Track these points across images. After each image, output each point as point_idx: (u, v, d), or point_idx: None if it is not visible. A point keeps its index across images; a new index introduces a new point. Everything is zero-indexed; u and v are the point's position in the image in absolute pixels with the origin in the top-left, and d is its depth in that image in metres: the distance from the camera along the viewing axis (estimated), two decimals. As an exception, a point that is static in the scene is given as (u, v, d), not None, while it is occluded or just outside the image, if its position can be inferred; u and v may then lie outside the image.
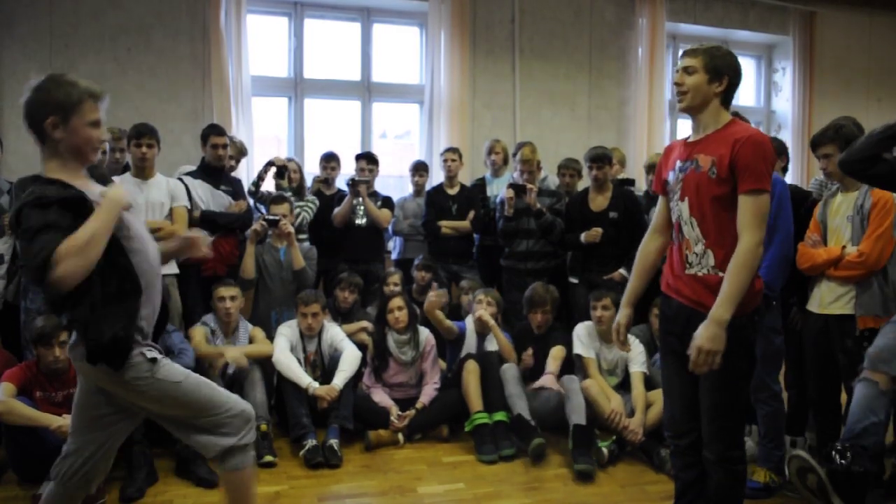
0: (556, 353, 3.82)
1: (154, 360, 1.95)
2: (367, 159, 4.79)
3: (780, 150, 3.38)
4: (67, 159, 1.90)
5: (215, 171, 4.22)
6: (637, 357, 3.67)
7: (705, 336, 2.09)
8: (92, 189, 1.91)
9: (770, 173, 2.13)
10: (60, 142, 1.86)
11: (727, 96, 2.22)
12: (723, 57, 2.20)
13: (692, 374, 2.23)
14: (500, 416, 3.62)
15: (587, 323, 3.86)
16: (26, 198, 1.78)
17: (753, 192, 2.09)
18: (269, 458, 3.33)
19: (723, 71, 2.19)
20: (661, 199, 2.43)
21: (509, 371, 3.74)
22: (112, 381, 1.94)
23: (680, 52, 2.34)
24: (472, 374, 3.70)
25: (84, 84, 1.89)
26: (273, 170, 4.57)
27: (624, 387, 3.74)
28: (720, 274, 2.16)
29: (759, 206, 2.10)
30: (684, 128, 6.92)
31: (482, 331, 3.98)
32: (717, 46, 2.23)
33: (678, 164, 2.28)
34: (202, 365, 3.52)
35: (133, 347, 1.92)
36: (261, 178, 4.55)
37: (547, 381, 3.67)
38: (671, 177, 2.31)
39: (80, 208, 1.81)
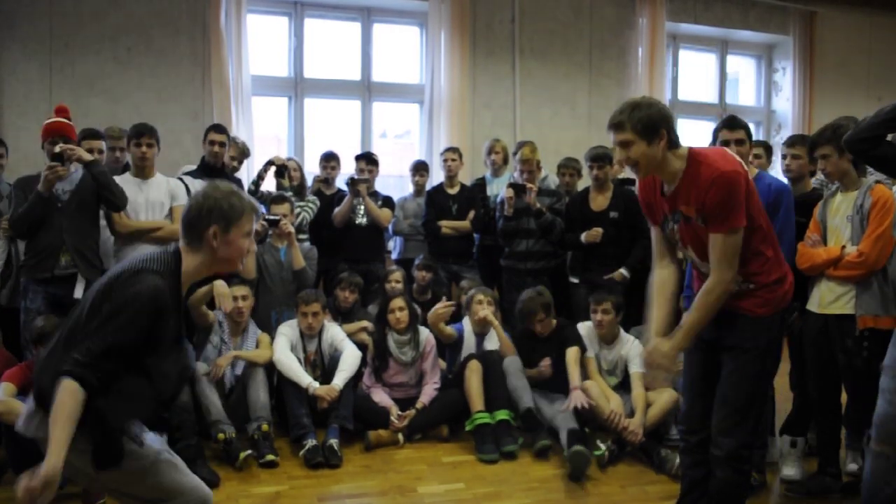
0: (572, 359, 3.66)
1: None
2: (367, 160, 4.78)
3: (767, 150, 3.41)
4: (212, 264, 1.88)
5: (216, 170, 4.21)
6: (637, 357, 3.66)
7: (661, 353, 2.23)
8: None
9: (741, 208, 2.12)
10: (215, 251, 1.84)
11: (673, 141, 2.16)
12: (648, 112, 2.12)
13: (713, 369, 2.29)
14: (502, 414, 3.61)
15: (587, 324, 3.85)
16: (130, 276, 1.74)
17: (728, 232, 2.13)
18: (270, 457, 3.32)
19: (657, 125, 2.12)
20: (653, 230, 2.43)
21: (512, 364, 3.73)
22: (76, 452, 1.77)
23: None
24: (474, 374, 3.70)
25: (247, 199, 1.90)
26: (273, 169, 4.57)
27: (624, 387, 3.74)
28: (751, 286, 2.22)
29: (729, 244, 2.14)
30: (684, 127, 6.92)
31: (482, 331, 3.98)
32: (636, 104, 2.15)
33: (667, 215, 2.30)
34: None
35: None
36: (261, 177, 4.55)
37: (578, 399, 3.45)
38: (666, 226, 2.34)
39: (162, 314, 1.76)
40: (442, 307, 3.88)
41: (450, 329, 3.97)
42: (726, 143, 2.90)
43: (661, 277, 2.42)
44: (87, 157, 3.40)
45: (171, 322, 1.79)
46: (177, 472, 1.93)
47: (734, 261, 2.15)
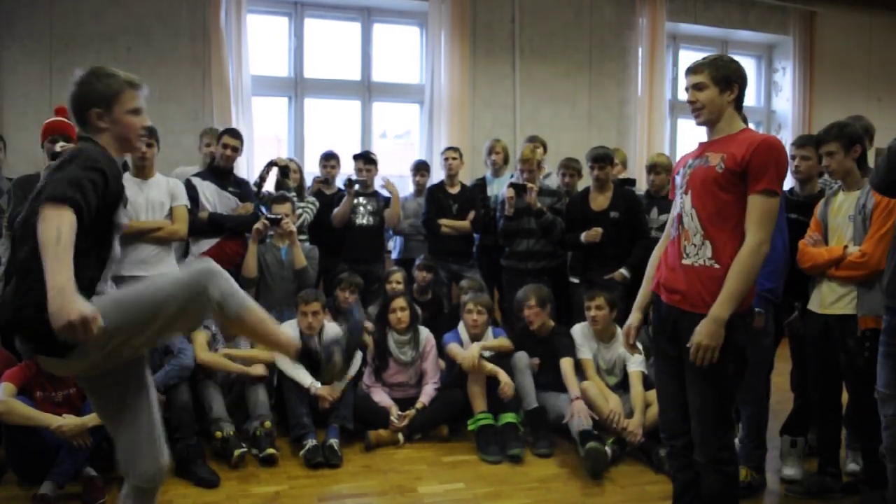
0: (568, 370, 3.65)
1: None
2: (365, 159, 4.78)
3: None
4: (113, 148, 1.93)
5: (223, 172, 4.22)
6: (636, 357, 3.66)
7: (703, 332, 2.13)
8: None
9: (782, 178, 2.17)
10: (105, 131, 1.90)
11: (738, 102, 2.28)
12: (728, 65, 2.25)
13: (682, 376, 2.28)
14: (509, 417, 3.61)
15: (583, 324, 3.85)
16: (78, 153, 1.77)
17: (765, 192, 2.14)
18: (270, 450, 3.32)
19: (732, 79, 2.24)
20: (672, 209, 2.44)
21: (521, 360, 3.73)
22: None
23: (683, 71, 2.38)
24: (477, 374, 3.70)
25: (123, 74, 1.96)
26: (275, 170, 4.56)
27: (623, 386, 3.74)
28: (716, 266, 2.19)
29: (768, 207, 2.14)
30: (684, 128, 6.92)
31: (478, 335, 3.94)
32: (720, 56, 2.28)
33: (689, 161, 2.34)
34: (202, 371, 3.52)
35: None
36: (262, 178, 4.55)
37: (579, 410, 3.45)
38: (680, 174, 2.36)
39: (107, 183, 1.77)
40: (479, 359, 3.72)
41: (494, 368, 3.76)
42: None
43: (660, 254, 2.46)
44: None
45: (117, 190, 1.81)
46: (146, 289, 1.86)
47: (770, 225, 2.15)
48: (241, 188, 4.30)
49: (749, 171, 2.15)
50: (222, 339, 3.69)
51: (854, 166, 2.84)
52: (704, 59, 2.29)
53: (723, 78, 2.23)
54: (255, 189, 4.52)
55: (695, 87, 2.26)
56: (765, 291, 2.90)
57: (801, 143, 3.30)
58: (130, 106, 1.94)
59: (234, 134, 4.29)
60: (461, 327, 3.96)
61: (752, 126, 3.04)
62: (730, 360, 2.21)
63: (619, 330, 3.80)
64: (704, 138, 2.37)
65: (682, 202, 2.31)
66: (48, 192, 1.60)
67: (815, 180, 3.31)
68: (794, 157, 3.27)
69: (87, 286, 1.76)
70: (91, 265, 1.81)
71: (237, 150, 4.28)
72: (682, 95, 7.47)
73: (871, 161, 3.04)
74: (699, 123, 2.31)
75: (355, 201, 4.58)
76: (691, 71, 2.28)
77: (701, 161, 2.27)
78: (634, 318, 2.52)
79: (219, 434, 3.32)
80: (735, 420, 3.58)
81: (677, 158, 7.06)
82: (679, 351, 2.31)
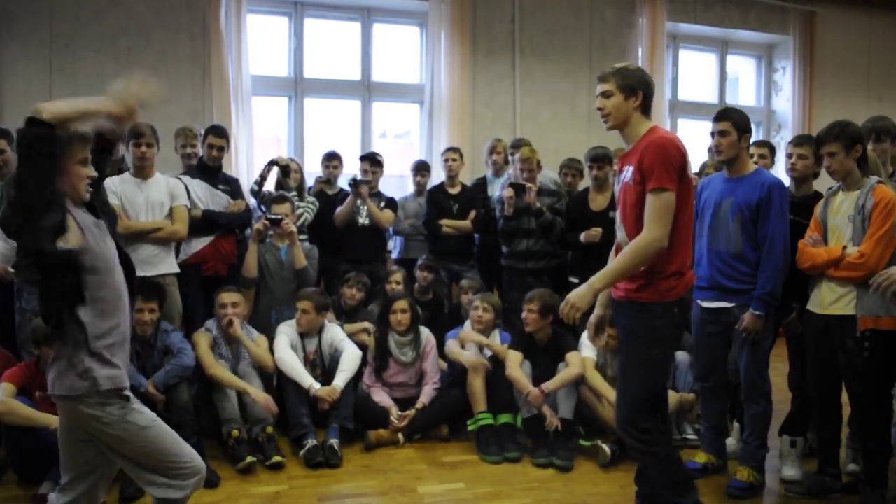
0: (573, 361, 3.63)
1: (127, 399, 2.02)
2: (371, 161, 4.78)
3: (770, 150, 3.42)
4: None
5: (213, 170, 4.21)
6: None
7: (575, 293, 2.36)
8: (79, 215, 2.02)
9: (672, 173, 2.31)
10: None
11: (644, 108, 2.43)
12: (632, 74, 2.42)
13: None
14: (505, 418, 3.61)
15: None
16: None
17: (656, 190, 2.30)
18: (276, 458, 3.31)
19: (636, 86, 2.40)
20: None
21: (524, 368, 3.71)
22: (83, 415, 1.98)
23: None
24: (477, 375, 3.69)
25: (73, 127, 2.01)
26: (276, 169, 4.56)
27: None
28: (643, 268, 2.37)
29: (661, 203, 2.31)
30: (684, 127, 6.93)
31: (482, 332, 3.94)
32: (626, 65, 2.47)
33: (619, 175, 2.52)
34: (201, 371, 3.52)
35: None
36: (263, 177, 4.54)
37: (533, 397, 3.51)
38: (617, 188, 2.54)
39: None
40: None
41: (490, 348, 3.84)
42: (711, 135, 3.02)
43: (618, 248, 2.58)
44: (93, 174, 3.37)
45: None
46: (174, 439, 2.08)
47: (666, 221, 2.30)
48: (231, 185, 4.30)
49: (644, 174, 2.32)
50: (224, 343, 3.68)
51: (854, 166, 2.83)
52: (612, 68, 2.46)
53: (627, 86, 2.39)
54: (255, 188, 4.52)
55: (602, 95, 2.44)
56: (765, 294, 2.90)
57: (798, 142, 3.31)
58: (80, 156, 2.03)
59: (219, 132, 4.28)
60: (466, 326, 3.95)
61: (751, 126, 3.06)
62: (653, 347, 2.38)
63: None
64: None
65: (616, 216, 2.53)
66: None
67: (811, 180, 3.32)
68: (790, 156, 3.29)
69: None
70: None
71: (223, 149, 4.26)
72: (683, 95, 7.49)
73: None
74: (609, 128, 2.47)
75: (358, 202, 4.56)
76: (600, 80, 2.46)
77: (624, 175, 2.45)
78: (596, 315, 2.72)
79: (236, 433, 3.35)
80: (735, 420, 3.61)
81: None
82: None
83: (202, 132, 4.29)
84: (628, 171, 2.41)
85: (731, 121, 2.97)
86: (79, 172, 2.02)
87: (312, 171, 5.58)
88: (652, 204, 2.31)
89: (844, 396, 2.97)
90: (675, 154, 2.33)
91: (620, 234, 2.49)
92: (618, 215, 2.51)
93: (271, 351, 3.74)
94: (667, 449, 2.50)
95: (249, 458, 3.27)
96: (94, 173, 2.07)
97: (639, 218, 2.36)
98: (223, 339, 3.69)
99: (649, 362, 2.42)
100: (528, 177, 4.36)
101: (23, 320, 3.38)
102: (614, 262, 2.38)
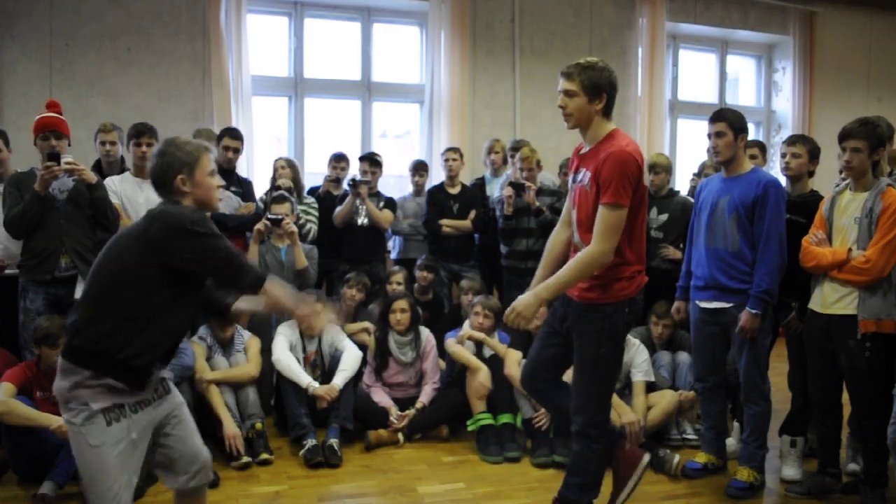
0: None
1: (91, 414, 1.90)
2: (370, 161, 4.77)
3: (814, 154, 3.33)
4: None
5: (225, 172, 4.21)
6: (641, 365, 3.63)
7: (521, 301, 2.37)
8: None
9: (628, 188, 2.29)
10: (189, 195, 2.05)
11: (607, 109, 2.38)
12: (598, 74, 2.34)
13: (552, 349, 2.60)
14: (506, 418, 3.61)
15: None
16: (187, 224, 1.92)
17: (610, 205, 2.29)
18: (264, 455, 3.34)
19: (601, 88, 2.34)
20: (569, 195, 2.59)
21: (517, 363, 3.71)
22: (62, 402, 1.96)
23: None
24: (476, 375, 3.69)
25: (195, 141, 2.15)
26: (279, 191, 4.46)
27: (624, 391, 3.72)
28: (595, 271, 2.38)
29: (613, 218, 2.30)
30: (684, 127, 6.93)
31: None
32: (592, 64, 2.36)
33: (573, 174, 2.50)
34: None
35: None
36: (266, 203, 4.44)
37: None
38: (569, 182, 2.53)
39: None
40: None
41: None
42: (708, 136, 3.01)
43: (556, 240, 2.67)
44: (92, 179, 3.38)
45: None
46: (118, 474, 1.92)
47: (614, 237, 2.31)
48: (243, 187, 4.29)
49: (599, 184, 2.30)
50: (219, 350, 3.68)
51: (870, 168, 2.82)
52: (577, 64, 2.37)
53: (592, 87, 2.33)
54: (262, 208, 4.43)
55: (565, 94, 2.37)
56: (761, 292, 2.90)
57: (791, 141, 3.33)
58: (208, 169, 2.09)
59: (235, 134, 4.28)
60: (465, 327, 3.95)
61: (751, 126, 3.07)
62: (605, 344, 2.41)
63: (627, 338, 3.77)
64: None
65: (572, 216, 2.51)
66: (245, 284, 1.99)
67: (806, 179, 3.31)
68: (784, 155, 3.29)
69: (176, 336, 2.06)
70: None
71: (238, 151, 4.27)
72: (683, 95, 7.48)
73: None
74: (569, 128, 2.44)
75: (357, 202, 4.56)
76: (564, 75, 2.38)
77: (580, 176, 2.44)
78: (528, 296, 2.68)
79: (259, 426, 3.44)
80: (734, 419, 3.61)
81: (677, 158, 7.05)
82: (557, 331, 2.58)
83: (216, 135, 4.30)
84: (586, 175, 2.40)
85: (727, 121, 2.97)
86: (210, 183, 2.08)
87: (312, 171, 5.58)
88: (604, 218, 2.30)
89: (845, 396, 2.97)
90: (633, 169, 2.31)
91: (576, 235, 2.49)
92: (573, 214, 2.50)
93: (267, 351, 3.73)
94: (604, 448, 2.58)
95: (245, 458, 3.27)
96: (222, 182, 2.16)
97: (592, 222, 2.36)
98: (217, 346, 3.68)
99: (601, 360, 2.45)
100: (528, 176, 4.36)
101: (26, 320, 3.38)
102: (560, 272, 2.38)
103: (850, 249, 2.80)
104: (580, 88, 2.34)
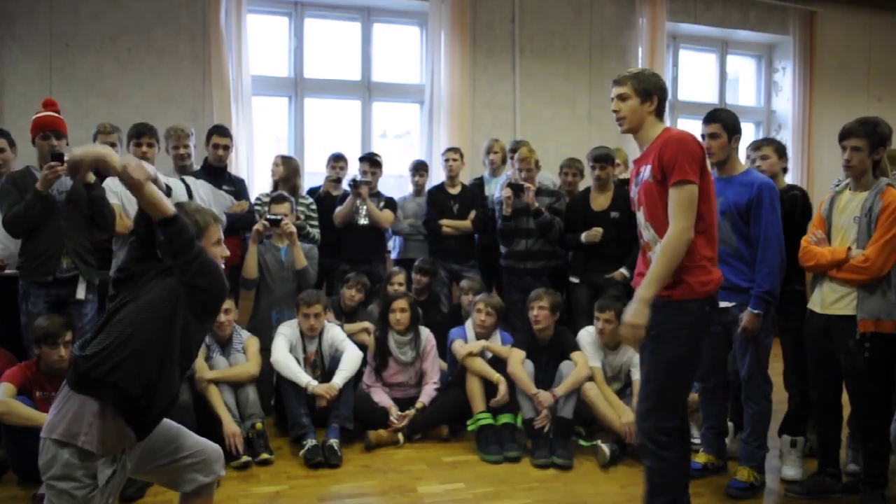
0: (580, 362, 3.65)
1: (94, 485, 1.83)
2: (370, 161, 4.77)
3: (781, 152, 3.42)
4: None
5: (217, 170, 4.21)
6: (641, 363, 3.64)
7: (629, 312, 2.33)
8: None
9: (693, 165, 2.31)
10: None
11: (659, 111, 2.44)
12: (649, 79, 2.43)
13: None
14: (506, 418, 3.61)
15: (590, 329, 3.80)
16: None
17: (679, 183, 2.30)
18: (264, 455, 3.34)
19: (651, 91, 2.41)
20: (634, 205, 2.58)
21: (526, 367, 3.71)
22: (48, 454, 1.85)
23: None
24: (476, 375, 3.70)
25: (207, 211, 2.17)
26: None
27: (624, 391, 3.73)
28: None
29: (684, 196, 2.30)
30: (685, 127, 6.89)
31: (484, 335, 3.93)
32: (641, 71, 2.47)
33: (635, 178, 2.51)
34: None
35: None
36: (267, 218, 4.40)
37: (543, 398, 3.56)
38: (633, 192, 2.53)
39: None
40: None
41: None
42: (702, 137, 3.02)
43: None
44: (91, 178, 3.38)
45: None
46: None
47: (690, 213, 2.30)
48: (235, 186, 4.29)
49: (664, 170, 2.32)
50: (218, 349, 3.68)
51: (871, 167, 2.82)
52: (628, 71, 2.47)
53: (644, 90, 2.40)
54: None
55: (619, 98, 2.44)
56: (763, 293, 2.90)
57: (756, 146, 3.44)
58: (216, 237, 2.12)
59: (223, 132, 4.27)
60: (468, 325, 3.94)
61: (751, 126, 3.08)
62: (685, 343, 2.35)
63: None
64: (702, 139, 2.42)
65: (638, 217, 2.50)
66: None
67: (781, 176, 3.39)
68: (754, 161, 3.34)
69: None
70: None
71: (228, 148, 4.26)
72: (683, 95, 7.50)
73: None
74: (623, 131, 2.49)
75: (358, 202, 4.56)
76: (616, 83, 2.46)
77: (641, 176, 2.45)
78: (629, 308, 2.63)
79: (259, 426, 3.43)
80: (728, 419, 3.61)
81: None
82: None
83: (192, 131, 4.28)
84: (646, 171, 2.40)
85: (721, 122, 2.98)
86: (215, 253, 2.09)
87: (312, 170, 5.58)
88: (676, 197, 2.30)
89: (844, 396, 2.97)
90: (696, 149, 2.34)
91: (648, 233, 2.44)
92: (640, 216, 2.47)
93: (267, 350, 3.73)
94: (679, 457, 2.44)
95: (245, 458, 3.27)
96: (227, 253, 2.16)
97: (665, 213, 2.34)
98: (216, 345, 3.68)
99: (677, 361, 2.38)
100: (527, 176, 4.36)
101: (29, 322, 3.38)
102: (651, 268, 2.33)
103: (849, 248, 2.80)
104: (632, 91, 2.40)
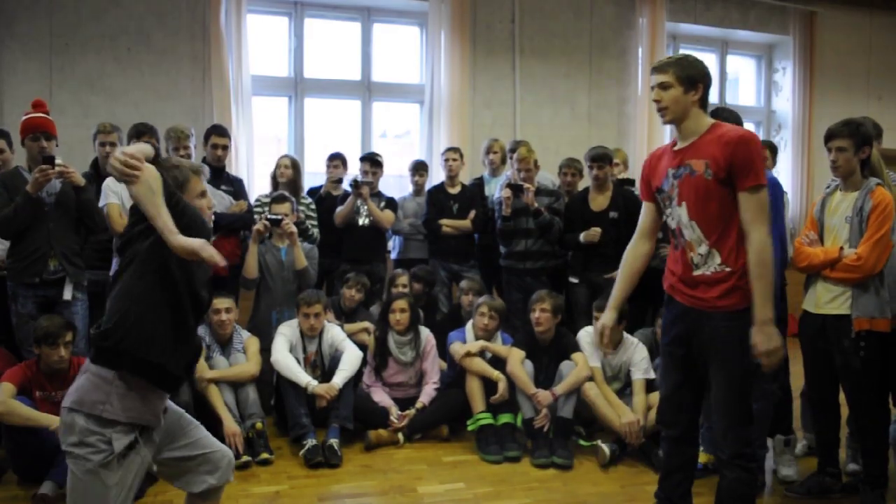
0: (581, 362, 3.65)
1: (110, 451, 1.84)
2: (371, 162, 4.77)
3: (772, 151, 3.43)
4: None
5: (216, 170, 4.20)
6: (640, 363, 3.64)
7: (759, 341, 2.14)
8: None
9: (763, 169, 2.20)
10: None
11: (704, 101, 2.28)
12: (692, 65, 2.26)
13: (685, 373, 2.37)
14: (506, 417, 3.62)
15: (589, 330, 3.80)
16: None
17: (754, 188, 2.16)
18: (265, 455, 3.35)
19: (696, 79, 2.24)
20: (645, 206, 2.49)
21: (526, 367, 3.71)
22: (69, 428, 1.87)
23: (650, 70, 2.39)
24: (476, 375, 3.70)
25: (187, 163, 2.11)
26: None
27: (624, 391, 3.73)
28: (727, 269, 2.23)
29: (760, 200, 2.17)
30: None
31: (484, 337, 3.93)
32: (685, 56, 2.30)
33: (670, 171, 2.33)
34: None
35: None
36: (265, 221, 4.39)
37: (543, 397, 3.57)
38: (665, 184, 2.36)
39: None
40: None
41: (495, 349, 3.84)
42: None
43: (636, 253, 2.51)
44: (80, 181, 3.40)
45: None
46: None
47: (766, 217, 2.18)
48: (234, 186, 4.28)
49: (734, 169, 2.17)
50: (218, 349, 3.68)
51: (858, 167, 2.83)
52: (669, 58, 2.31)
53: (688, 77, 2.24)
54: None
55: (660, 87, 2.27)
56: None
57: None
58: (198, 190, 2.07)
59: (221, 132, 4.27)
60: (468, 327, 3.93)
61: (751, 126, 3.08)
62: (746, 355, 2.22)
63: (626, 336, 3.77)
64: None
65: (678, 214, 2.32)
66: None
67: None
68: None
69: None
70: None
71: (226, 148, 4.26)
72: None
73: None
74: (665, 122, 2.32)
75: (358, 202, 4.56)
76: (656, 70, 2.29)
77: (685, 170, 2.27)
78: (609, 317, 2.54)
79: (259, 425, 3.44)
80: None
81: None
82: (687, 350, 2.37)
83: (193, 132, 4.28)
84: (700, 165, 2.22)
85: (723, 121, 2.96)
86: (199, 205, 2.04)
87: (312, 170, 5.58)
88: (754, 202, 2.16)
89: (843, 396, 2.97)
90: (763, 150, 2.27)
91: (691, 232, 2.29)
92: (680, 212, 2.30)
93: (267, 350, 3.73)
94: (759, 466, 2.40)
95: (245, 458, 3.28)
96: (213, 204, 2.12)
97: (720, 213, 2.21)
98: (217, 345, 3.68)
99: (746, 373, 2.25)
100: (526, 177, 4.35)
101: (20, 322, 3.38)
102: (754, 285, 2.16)
103: (841, 248, 2.82)
104: (675, 79, 2.23)
